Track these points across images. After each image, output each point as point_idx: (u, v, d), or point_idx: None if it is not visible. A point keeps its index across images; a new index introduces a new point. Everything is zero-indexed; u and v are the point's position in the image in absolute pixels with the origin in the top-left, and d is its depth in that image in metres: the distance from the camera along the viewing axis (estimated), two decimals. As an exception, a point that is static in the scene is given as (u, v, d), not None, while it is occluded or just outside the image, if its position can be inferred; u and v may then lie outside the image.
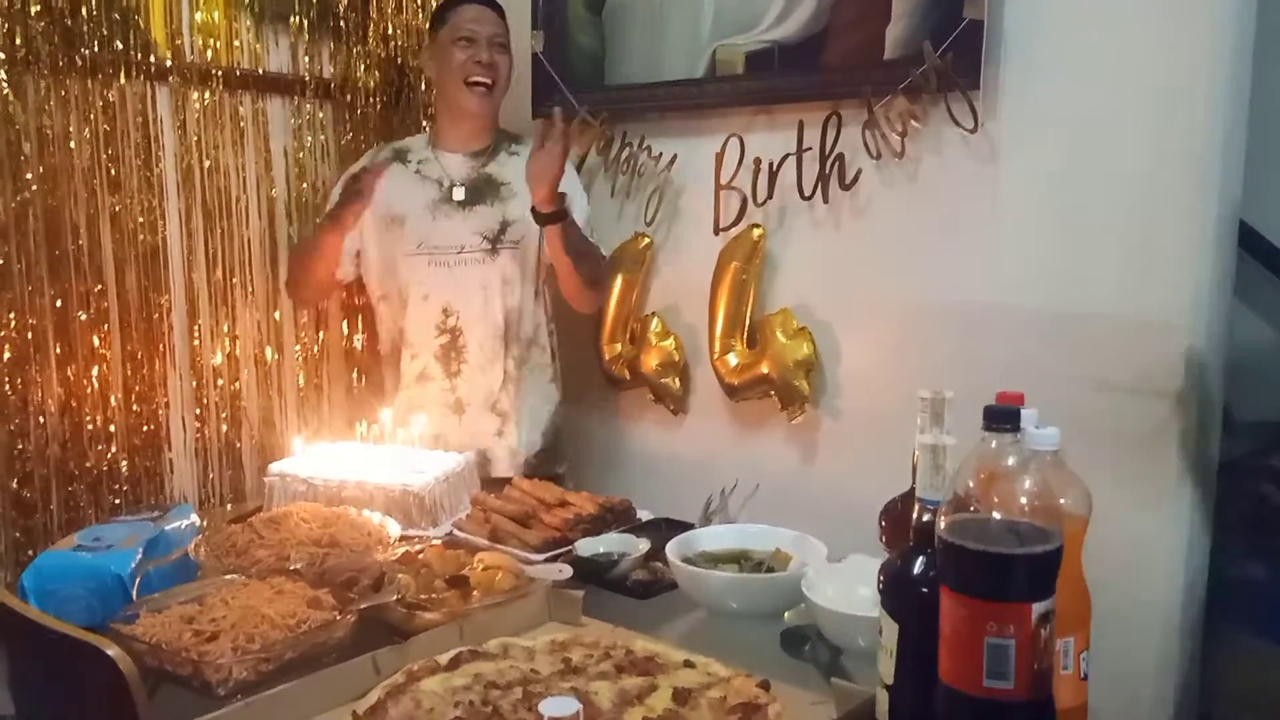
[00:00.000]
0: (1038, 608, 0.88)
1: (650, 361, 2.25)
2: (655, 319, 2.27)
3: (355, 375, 2.57)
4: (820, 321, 2.04)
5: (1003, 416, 0.93)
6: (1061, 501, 1.00)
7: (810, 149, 1.97)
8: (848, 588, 1.30)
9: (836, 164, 1.94)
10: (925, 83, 1.78)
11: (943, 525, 0.92)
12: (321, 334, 2.49)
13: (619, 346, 2.32)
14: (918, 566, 1.00)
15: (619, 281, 2.29)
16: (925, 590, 0.97)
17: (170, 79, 2.20)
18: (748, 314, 2.10)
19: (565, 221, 2.02)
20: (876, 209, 1.94)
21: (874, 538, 1.30)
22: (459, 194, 2.13)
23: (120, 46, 2.12)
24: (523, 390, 2.18)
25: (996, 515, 0.91)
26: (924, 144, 1.86)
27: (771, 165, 2.03)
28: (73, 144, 2.07)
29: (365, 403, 2.43)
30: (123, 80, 2.13)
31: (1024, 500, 0.92)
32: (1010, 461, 0.94)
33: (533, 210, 2.01)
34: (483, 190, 2.14)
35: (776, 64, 2.03)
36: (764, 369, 2.04)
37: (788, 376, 2.02)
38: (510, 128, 2.29)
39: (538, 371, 2.21)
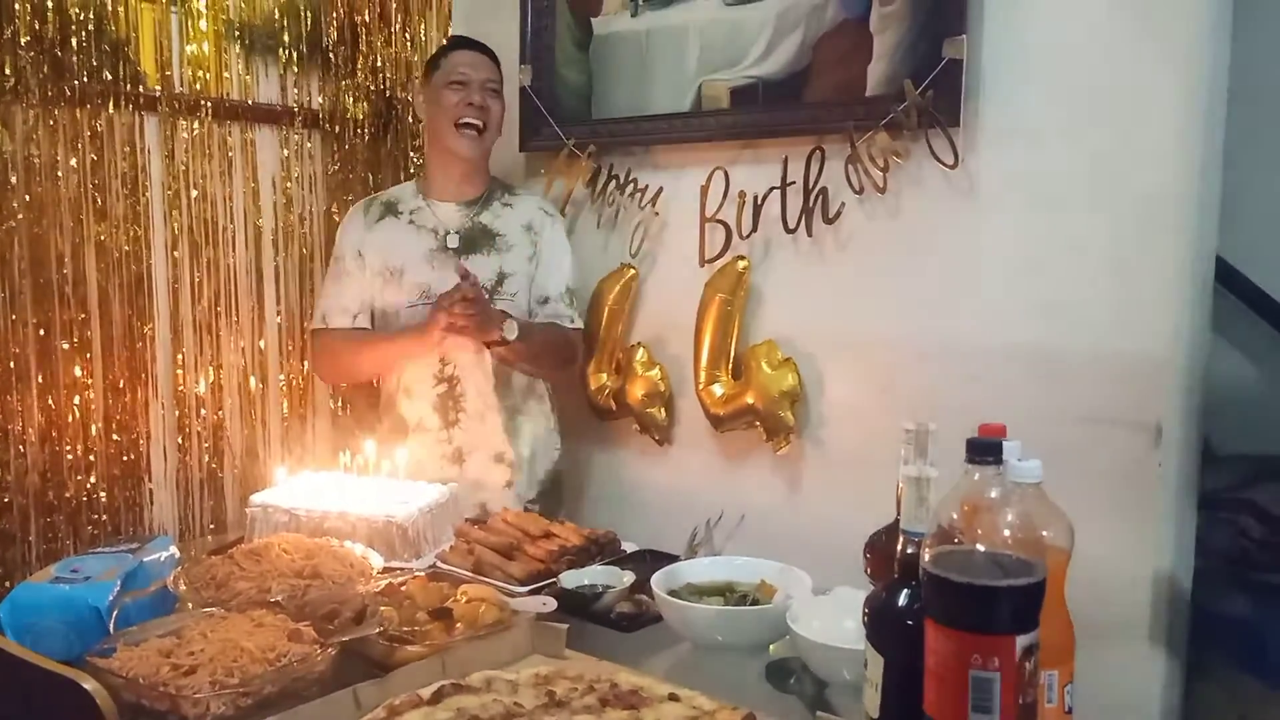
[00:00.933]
0: (1022, 640, 0.88)
1: (636, 392, 2.26)
2: (641, 350, 2.27)
3: (339, 405, 2.56)
4: (804, 353, 2.05)
5: (985, 449, 0.94)
6: (1044, 534, 1.00)
7: (794, 183, 1.99)
8: (833, 620, 1.30)
9: (820, 198, 1.96)
10: (906, 119, 1.81)
11: (927, 557, 0.92)
12: (306, 364, 2.49)
13: (604, 377, 2.33)
14: (902, 599, 1.01)
15: (605, 314, 2.30)
16: (910, 623, 0.97)
17: (159, 109, 2.21)
18: (733, 345, 2.10)
19: (509, 345, 2.02)
20: (859, 242, 1.96)
21: (859, 569, 1.30)
22: (453, 241, 2.13)
23: (109, 77, 2.13)
24: (526, 439, 2.17)
25: (980, 547, 0.91)
26: (905, 179, 1.88)
27: (756, 198, 2.05)
28: (60, 173, 2.07)
29: (349, 433, 2.42)
30: (111, 110, 2.14)
31: (1007, 533, 0.92)
32: (993, 494, 0.94)
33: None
34: (478, 240, 2.14)
35: (761, 99, 2.06)
36: (749, 400, 2.05)
37: (773, 407, 2.02)
38: (497, 161, 2.30)
39: (538, 420, 2.21)
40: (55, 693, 1.09)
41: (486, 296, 2.02)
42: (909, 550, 1.00)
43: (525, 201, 2.23)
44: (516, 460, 2.15)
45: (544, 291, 2.17)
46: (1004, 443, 0.96)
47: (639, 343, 2.30)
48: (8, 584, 1.90)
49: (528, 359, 2.11)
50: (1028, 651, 0.88)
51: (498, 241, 2.14)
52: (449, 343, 2.03)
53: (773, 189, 2.02)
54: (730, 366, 2.11)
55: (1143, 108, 1.63)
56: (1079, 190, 1.70)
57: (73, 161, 2.09)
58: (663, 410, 2.26)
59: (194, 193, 2.27)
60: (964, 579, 0.89)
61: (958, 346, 1.84)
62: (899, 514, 1.04)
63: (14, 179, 2.01)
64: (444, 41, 2.24)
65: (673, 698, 1.19)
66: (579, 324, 2.22)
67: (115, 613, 1.32)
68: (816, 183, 1.96)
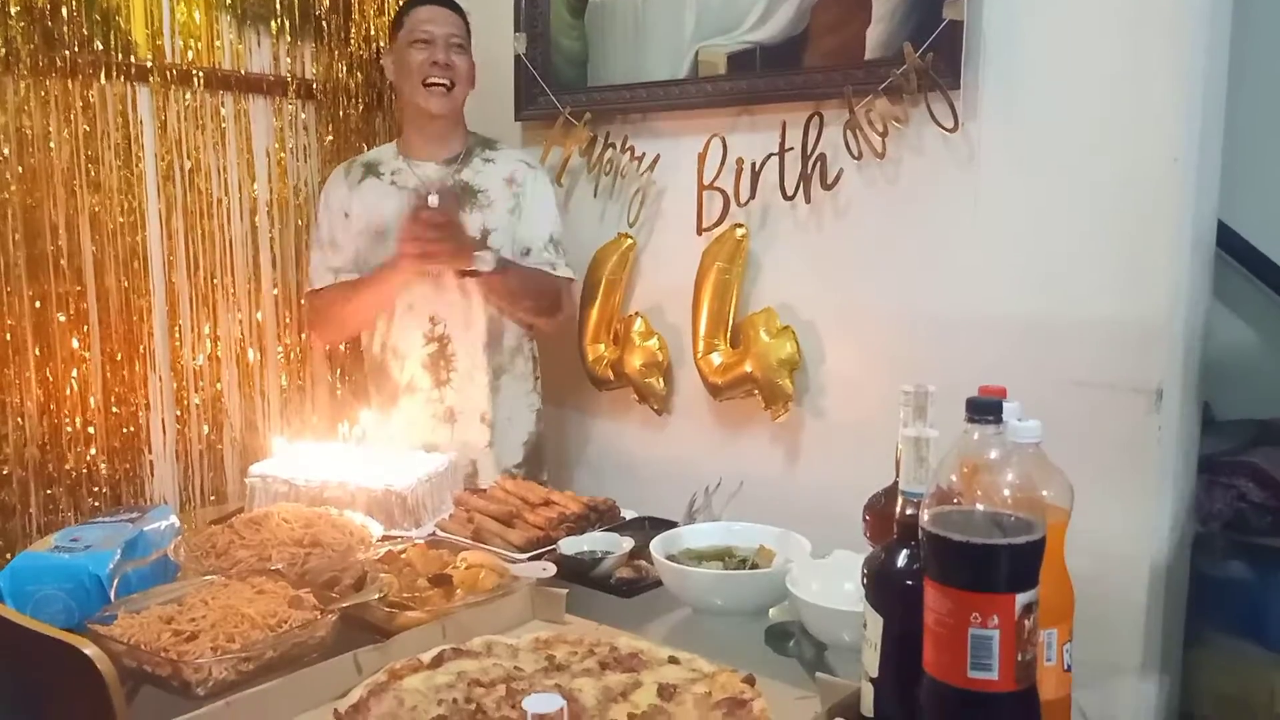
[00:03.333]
0: (1021, 598, 0.88)
1: (634, 362, 2.25)
2: (639, 319, 2.27)
3: (338, 376, 2.55)
4: (803, 321, 2.05)
5: (985, 408, 0.93)
6: (1044, 493, 1.00)
7: (792, 149, 1.97)
8: (832, 583, 1.30)
9: (818, 164, 1.94)
10: (906, 83, 1.79)
11: (926, 517, 0.92)
12: (304, 335, 2.48)
13: (602, 347, 2.32)
14: (901, 559, 1.00)
15: (602, 283, 2.29)
16: (909, 583, 0.97)
17: (151, 79, 2.19)
18: (731, 313, 2.10)
19: (485, 275, 2.02)
20: (858, 209, 1.95)
21: (857, 536, 1.30)
22: (434, 201, 2.11)
23: (101, 47, 2.11)
24: (506, 399, 2.17)
25: (980, 507, 0.91)
26: (905, 144, 1.87)
27: (754, 165, 2.04)
28: (52, 144, 2.06)
29: (348, 404, 2.42)
30: (103, 81, 2.12)
31: (1007, 492, 0.92)
32: (993, 454, 0.94)
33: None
34: (460, 198, 2.13)
35: (758, 65, 2.04)
36: (747, 368, 2.04)
37: (771, 375, 2.02)
38: (492, 130, 2.29)
39: (520, 381, 2.21)
40: (55, 659, 1.09)
41: (459, 223, 2.02)
42: (908, 511, 1.00)
43: (506, 156, 2.22)
44: (495, 422, 2.15)
45: (525, 243, 2.16)
46: (1004, 403, 0.95)
47: (637, 312, 2.29)
48: (8, 556, 1.90)
49: (505, 297, 2.11)
50: (1027, 609, 0.88)
51: (479, 198, 2.13)
52: (416, 272, 2.04)
53: (770, 155, 2.01)
54: (728, 335, 2.11)
55: (1145, 71, 1.61)
56: (1079, 153, 1.69)
57: (65, 133, 2.07)
58: (661, 380, 2.26)
59: (187, 164, 2.26)
60: (963, 538, 0.89)
61: (957, 313, 1.83)
62: (898, 476, 1.03)
63: (6, 150, 1.99)
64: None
65: (672, 660, 1.19)
66: (566, 273, 2.20)
67: (116, 581, 1.32)
68: (815, 149, 1.94)
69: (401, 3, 2.22)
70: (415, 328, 2.12)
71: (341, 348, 2.52)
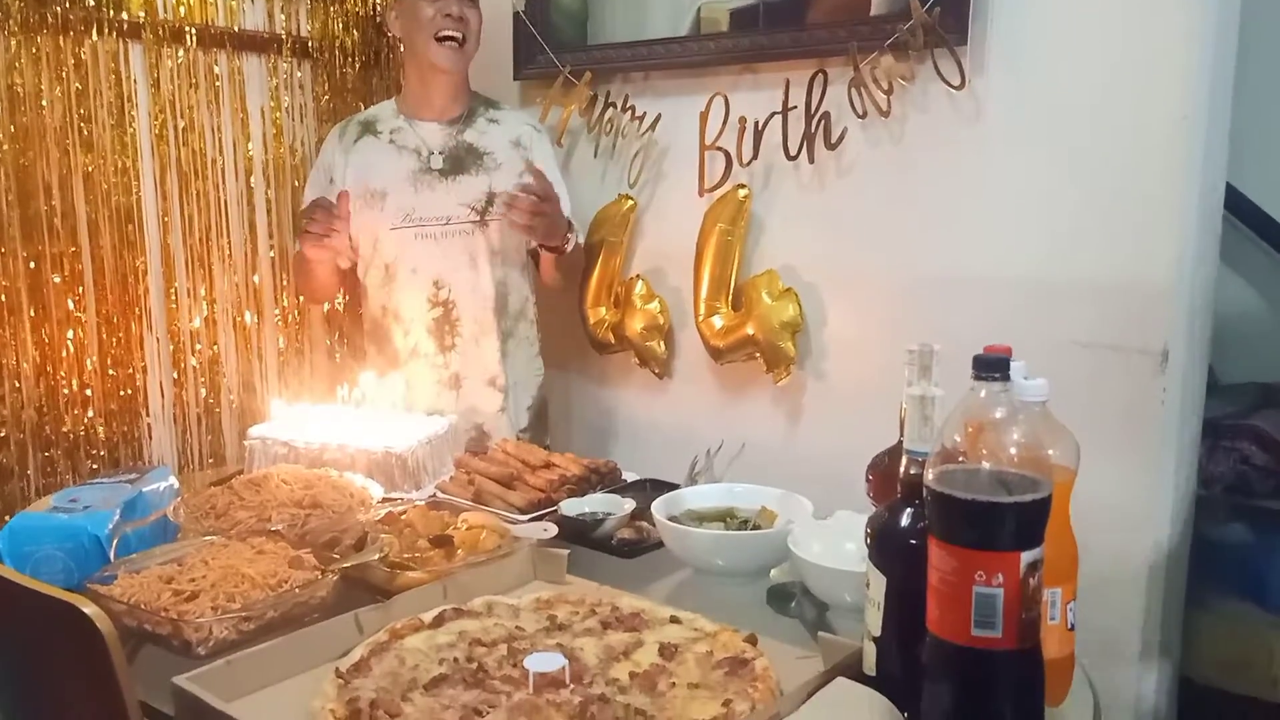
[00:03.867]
0: (1026, 557, 0.87)
1: (635, 325, 2.23)
2: (640, 282, 2.25)
3: (336, 338, 2.54)
4: (806, 283, 2.03)
5: (992, 365, 0.92)
6: (1050, 452, 0.99)
7: (795, 108, 1.94)
8: (834, 543, 1.30)
9: (822, 123, 1.91)
10: (912, 39, 1.76)
11: (931, 475, 0.91)
12: (302, 297, 2.46)
13: (603, 310, 2.30)
14: (905, 519, 1.00)
15: (603, 246, 2.27)
16: (913, 542, 0.96)
17: (144, 36, 2.15)
18: (733, 276, 2.08)
19: (564, 255, 2.11)
20: (862, 169, 1.93)
21: (859, 498, 1.30)
22: (437, 162, 2.08)
23: (92, 3, 2.07)
24: (514, 364, 2.16)
25: (985, 465, 0.90)
26: (910, 102, 1.84)
27: (757, 124, 2.01)
28: (44, 103, 2.03)
29: (346, 367, 2.41)
30: (95, 37, 2.08)
31: (1012, 451, 0.91)
32: (999, 413, 0.92)
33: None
34: (464, 160, 2.10)
35: (761, 21, 2.00)
36: (749, 331, 2.03)
37: (773, 338, 2.00)
38: (491, 90, 2.25)
39: (525, 345, 2.20)
40: (55, 619, 1.08)
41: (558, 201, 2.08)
42: (912, 470, 0.99)
43: (511, 117, 2.18)
44: (506, 385, 2.14)
45: None
46: (1010, 361, 0.94)
47: (638, 275, 2.27)
48: (6, 519, 1.90)
49: (568, 271, 2.19)
50: (1031, 568, 0.88)
51: (485, 160, 2.10)
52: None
53: (774, 114, 1.98)
54: (730, 298, 2.09)
55: (1155, 26, 1.58)
56: (1088, 111, 1.66)
57: (57, 90, 2.04)
58: (662, 343, 2.24)
59: (181, 123, 2.23)
60: (968, 495, 0.88)
61: (962, 275, 1.81)
62: (902, 436, 1.02)
63: (-2, 108, 1.97)
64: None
65: (674, 620, 1.19)
66: (580, 239, 2.22)
67: (115, 541, 1.32)
68: (819, 107, 1.91)
69: None
70: (420, 292, 2.10)
71: (339, 306, 2.51)
